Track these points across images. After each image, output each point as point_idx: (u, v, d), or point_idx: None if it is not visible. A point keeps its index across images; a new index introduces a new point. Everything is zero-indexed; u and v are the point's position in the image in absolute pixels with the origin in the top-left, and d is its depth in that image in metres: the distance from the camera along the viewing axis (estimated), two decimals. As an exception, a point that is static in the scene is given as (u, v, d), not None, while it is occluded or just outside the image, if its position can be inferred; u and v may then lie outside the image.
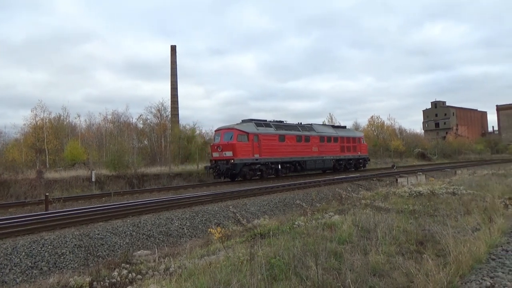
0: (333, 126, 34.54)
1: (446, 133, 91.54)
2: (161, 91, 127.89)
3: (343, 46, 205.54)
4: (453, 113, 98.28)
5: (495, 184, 15.00)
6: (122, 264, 7.19)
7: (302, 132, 27.07)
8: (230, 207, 13.33)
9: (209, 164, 23.81)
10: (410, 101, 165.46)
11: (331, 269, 5.12)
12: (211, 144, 24.63)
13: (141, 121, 42.48)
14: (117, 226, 10.19)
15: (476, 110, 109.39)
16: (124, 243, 9.70)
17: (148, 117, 42.13)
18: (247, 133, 22.71)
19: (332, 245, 6.39)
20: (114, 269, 6.78)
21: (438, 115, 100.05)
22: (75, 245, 8.87)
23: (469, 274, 4.91)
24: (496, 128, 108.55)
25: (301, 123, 29.36)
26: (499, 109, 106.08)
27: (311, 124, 30.23)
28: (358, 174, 26.37)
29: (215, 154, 23.05)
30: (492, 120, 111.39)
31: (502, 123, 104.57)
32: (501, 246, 6.21)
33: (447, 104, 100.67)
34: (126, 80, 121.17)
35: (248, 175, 22.92)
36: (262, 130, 23.97)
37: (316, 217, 9.78)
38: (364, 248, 6.23)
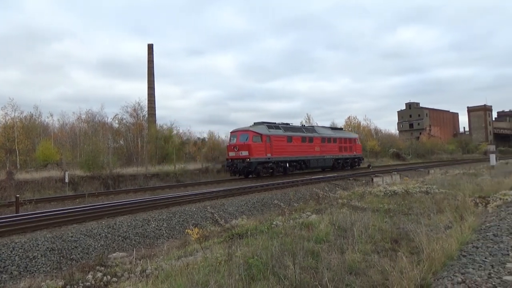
0: (332, 128, 36.56)
1: (420, 133, 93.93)
2: (137, 90, 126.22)
3: (320, 48, 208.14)
4: (427, 114, 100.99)
5: (466, 183, 15.49)
6: (97, 267, 7.03)
7: (306, 134, 29.32)
8: (208, 207, 13.25)
9: (225, 162, 26.13)
10: (385, 102, 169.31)
11: (309, 268, 5.17)
12: (227, 145, 26.81)
13: (117, 121, 41.73)
14: (92, 228, 9.96)
15: (448, 111, 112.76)
16: (99, 245, 9.49)
17: (124, 116, 41.45)
18: (261, 135, 24.73)
19: (310, 244, 6.44)
20: (89, 272, 6.62)
21: (412, 116, 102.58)
22: (48, 248, 8.62)
23: (442, 270, 5.04)
24: (467, 129, 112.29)
25: (304, 125, 32.28)
26: (470, 110, 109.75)
27: (313, 126, 33.49)
28: (350, 173, 26.77)
29: (231, 154, 24.91)
30: (464, 121, 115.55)
31: (473, 124, 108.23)
32: (472, 243, 6.42)
33: (421, 105, 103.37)
34: (102, 79, 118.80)
35: (261, 173, 24.98)
36: (273, 131, 26.10)
37: (294, 216, 9.85)
38: (341, 247, 6.31)
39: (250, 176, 25.20)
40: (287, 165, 27.02)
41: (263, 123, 26.79)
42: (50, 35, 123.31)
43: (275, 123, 27.92)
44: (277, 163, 26.10)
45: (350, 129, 62.61)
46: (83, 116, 41.80)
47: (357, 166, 35.08)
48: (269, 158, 25.05)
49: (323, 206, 12.05)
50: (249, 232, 7.90)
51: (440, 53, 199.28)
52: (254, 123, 27.21)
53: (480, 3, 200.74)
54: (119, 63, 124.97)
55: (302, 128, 30.67)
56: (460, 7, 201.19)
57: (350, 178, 23.33)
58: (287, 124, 29.53)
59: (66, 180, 19.99)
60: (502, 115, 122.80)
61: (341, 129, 38.63)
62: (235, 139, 25.29)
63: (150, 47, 48.44)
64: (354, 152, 34.84)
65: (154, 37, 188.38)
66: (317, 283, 4.52)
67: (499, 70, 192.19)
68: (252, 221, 10.50)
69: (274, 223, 8.96)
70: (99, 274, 6.26)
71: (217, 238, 8.43)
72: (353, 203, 11.90)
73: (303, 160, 28.36)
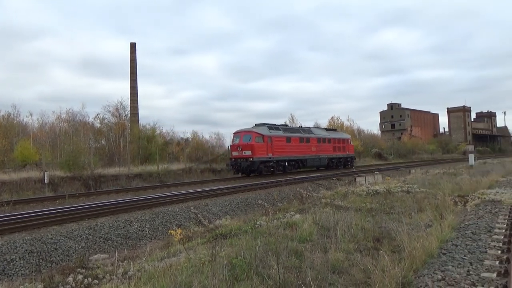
0: (326, 129, 38.06)
1: (401, 133, 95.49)
2: (120, 90, 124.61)
3: (303, 49, 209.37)
4: (408, 114, 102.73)
5: (446, 182, 15.83)
6: (78, 269, 6.88)
7: (303, 134, 30.77)
8: (192, 208, 13.16)
9: (229, 162, 27.32)
10: (368, 103, 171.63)
11: (292, 268, 5.18)
12: (231, 145, 27.81)
13: (99, 120, 40.96)
14: (72, 230, 9.76)
15: (429, 112, 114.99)
16: (80, 247, 9.32)
17: (106, 116, 40.70)
18: (263, 135, 26.01)
19: (293, 244, 6.47)
20: (69, 274, 6.49)
21: (394, 116, 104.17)
22: (26, 250, 8.41)
23: (422, 268, 5.14)
24: (447, 129, 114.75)
25: (301, 126, 34.21)
26: (450, 111, 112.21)
27: (309, 127, 34.88)
28: (333, 173, 26.97)
29: (235, 153, 26.09)
30: (444, 122, 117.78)
31: (452, 124, 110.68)
32: (451, 241, 6.56)
33: (403, 106, 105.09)
34: (82, 78, 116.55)
35: (263, 171, 26.20)
36: (274, 132, 27.42)
37: (278, 216, 9.87)
38: (324, 246, 6.36)
39: (252, 174, 26.16)
40: (286, 164, 28.44)
41: (264, 124, 28.10)
42: (30, 33, 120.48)
43: (275, 124, 29.40)
44: (278, 162, 27.46)
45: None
46: (64, 116, 40.96)
47: (349, 165, 36.44)
48: (270, 158, 26.38)
49: (306, 205, 12.12)
50: (233, 232, 7.88)
51: (421, 55, 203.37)
52: (255, 124, 28.50)
53: (459, 7, 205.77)
54: (101, 62, 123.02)
55: (299, 129, 32.23)
56: (439, 11, 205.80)
57: (333, 178, 23.54)
58: (286, 125, 31.69)
59: (46, 181, 19.55)
60: (480, 116, 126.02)
61: (334, 130, 40.29)
62: (238, 139, 26.38)
63: (133, 46, 47.86)
64: (347, 152, 36.29)
65: (137, 37, 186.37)
66: (300, 282, 4.54)
67: (478, 73, 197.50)
68: (236, 221, 10.47)
69: (258, 223, 8.96)
70: (80, 277, 6.14)
71: (200, 239, 8.38)
72: (336, 202, 12.01)
73: (301, 159, 29.77)
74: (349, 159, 36.62)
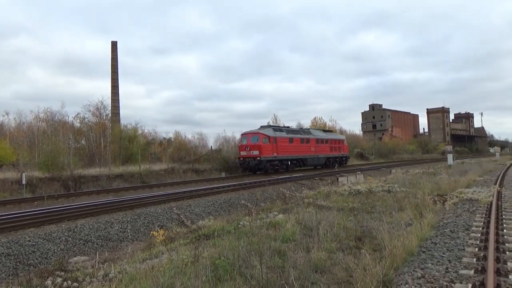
0: (324, 131, 40.39)
1: (382, 134, 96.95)
2: (100, 89, 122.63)
3: (284, 50, 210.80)
4: (389, 115, 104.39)
5: (425, 182, 16.15)
6: (56, 272, 6.74)
7: (304, 136, 32.85)
8: (174, 208, 13.05)
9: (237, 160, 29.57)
10: (348, 103, 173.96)
11: (275, 268, 5.20)
12: (239, 145, 30.17)
13: (78, 120, 40.13)
14: (51, 232, 9.54)
15: (409, 113, 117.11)
16: (59, 249, 9.11)
17: (86, 115, 39.90)
18: (269, 137, 27.99)
19: (276, 244, 6.49)
20: (47, 277, 6.34)
21: (375, 117, 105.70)
22: (3, 253, 8.17)
23: (403, 266, 5.22)
24: (426, 130, 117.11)
25: (301, 128, 36.74)
26: (429, 112, 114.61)
27: (309, 129, 37.45)
28: (316, 172, 27.13)
29: (243, 153, 28.15)
30: (423, 123, 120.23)
31: (432, 125, 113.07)
32: (431, 239, 6.69)
33: (384, 107, 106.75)
34: (61, 77, 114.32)
35: (269, 169, 28.07)
36: (278, 134, 29.39)
37: (261, 216, 9.89)
38: (307, 245, 6.40)
39: (258, 172, 28.06)
40: (289, 163, 30.41)
41: (269, 126, 31.27)
42: (5, 31, 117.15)
43: (279, 126, 32.67)
44: (281, 161, 29.53)
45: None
46: (42, 115, 39.96)
47: (344, 164, 38.83)
48: (275, 157, 28.47)
49: (289, 205, 12.18)
50: (216, 233, 7.85)
51: (399, 57, 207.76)
52: (260, 126, 31.25)
53: (436, 10, 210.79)
54: (80, 61, 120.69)
55: (300, 131, 34.19)
56: (416, 14, 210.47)
57: (316, 178, 23.71)
58: (288, 127, 34.43)
59: (23, 182, 19.04)
60: (458, 117, 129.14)
61: (331, 131, 42.93)
62: (246, 140, 28.45)
63: (114, 45, 47.14)
64: (342, 152, 38.65)
65: (117, 36, 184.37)
66: (283, 282, 4.55)
67: (455, 75, 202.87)
68: (219, 221, 10.44)
69: (241, 223, 8.95)
70: (59, 280, 6.01)
71: (183, 240, 8.31)
72: (319, 202, 12.10)
73: (301, 158, 31.84)
74: (344, 158, 38.98)
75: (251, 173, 28.00)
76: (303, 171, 30.69)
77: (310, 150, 32.86)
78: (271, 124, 46.42)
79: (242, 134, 30.25)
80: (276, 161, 28.80)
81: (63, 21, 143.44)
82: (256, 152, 27.19)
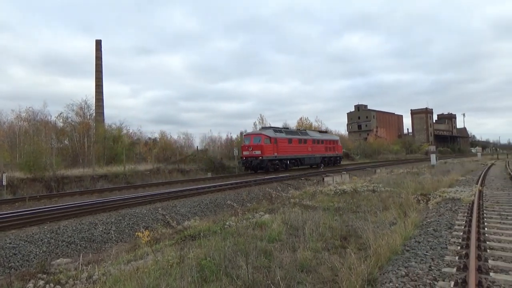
0: (319, 132, 42.77)
1: (368, 134, 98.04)
2: (83, 89, 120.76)
3: (270, 50, 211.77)
4: (374, 116, 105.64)
5: (409, 181, 16.38)
6: (39, 275, 6.59)
7: (301, 136, 34.62)
8: (159, 209, 12.93)
9: (240, 160, 31.38)
10: (334, 104, 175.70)
11: (262, 268, 5.19)
12: (242, 145, 31.18)
13: (61, 120, 39.40)
14: (33, 234, 9.35)
15: (394, 113, 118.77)
16: (41, 251, 8.93)
17: (70, 115, 39.20)
18: (270, 137, 29.53)
19: (262, 244, 6.49)
20: (29, 280, 6.20)
21: (360, 117, 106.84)
22: (-18, 256, 7.97)
23: (387, 265, 5.28)
24: (410, 130, 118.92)
25: (299, 129, 38.80)
26: (413, 113, 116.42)
27: (306, 130, 39.33)
28: (302, 173, 27.23)
29: (246, 153, 29.60)
30: (407, 123, 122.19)
31: (416, 125, 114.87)
32: (414, 238, 6.79)
33: (369, 107, 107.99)
34: (44, 76, 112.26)
35: (270, 168, 29.44)
36: (278, 135, 30.98)
37: (247, 217, 9.88)
38: (292, 245, 6.42)
39: (259, 171, 29.33)
40: (288, 162, 32.02)
41: (270, 127, 33.11)
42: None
43: (279, 128, 34.15)
44: (281, 161, 31.13)
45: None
46: (23, 115, 39.02)
47: (338, 163, 41.01)
48: (276, 157, 30.05)
49: (275, 205, 12.20)
50: (201, 233, 7.81)
51: (383, 58, 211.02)
52: (262, 127, 34.10)
53: (418, 13, 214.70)
54: (63, 60, 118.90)
55: (298, 132, 36.11)
56: (399, 16, 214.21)
57: (302, 178, 23.82)
58: (287, 128, 36.59)
59: (4, 183, 18.62)
60: (441, 117, 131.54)
61: (326, 132, 45.62)
62: (249, 141, 29.97)
63: (98, 43, 46.50)
64: (336, 152, 40.88)
65: (101, 35, 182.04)
66: (269, 281, 4.55)
67: (437, 76, 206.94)
68: (205, 222, 10.39)
69: (227, 223, 8.93)
70: (41, 282, 5.89)
71: (168, 241, 8.24)
72: (304, 202, 12.15)
73: (299, 158, 33.52)
74: (338, 158, 41.28)
75: (253, 172, 29.47)
76: (298, 170, 32.18)
77: (307, 150, 34.65)
78: (257, 124, 46.76)
79: (244, 135, 32.63)
80: (277, 160, 30.37)
81: (45, 19, 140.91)
82: (258, 152, 28.79)
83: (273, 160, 30.01)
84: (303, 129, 39.85)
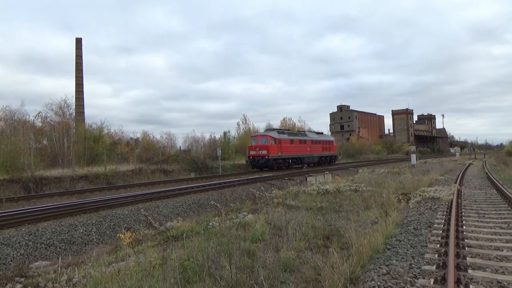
0: (316, 133, 46.03)
1: (350, 134, 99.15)
2: (63, 88, 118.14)
3: (253, 51, 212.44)
4: (356, 116, 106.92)
5: (390, 181, 16.64)
6: (16, 278, 6.41)
7: (301, 137, 37.62)
8: (142, 210, 12.78)
9: (247, 159, 33.79)
10: (317, 105, 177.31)
11: (245, 268, 5.19)
12: (249, 145, 33.84)
13: (40, 119, 38.45)
14: (10, 236, 9.10)
15: (375, 114, 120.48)
16: (19, 254, 8.71)
17: (49, 114, 38.28)
18: (275, 138, 32.32)
19: (246, 244, 6.48)
20: (6, 284, 6.03)
21: (343, 118, 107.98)
22: (-44, 260, 7.72)
23: (369, 263, 5.35)
24: (391, 130, 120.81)
25: (299, 130, 43.49)
26: (394, 113, 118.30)
27: (305, 131, 43.21)
28: (286, 172, 27.31)
29: (253, 153, 32.17)
30: (388, 124, 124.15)
31: (397, 126, 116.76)
32: (395, 237, 6.90)
33: (351, 108, 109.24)
34: (21, 74, 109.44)
35: (275, 167, 32.02)
36: (282, 136, 33.86)
37: (230, 217, 9.85)
38: (276, 245, 6.43)
39: (265, 169, 32.03)
40: (290, 161, 34.71)
41: (274, 129, 36.01)
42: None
43: (282, 129, 37.19)
44: (284, 160, 33.80)
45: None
46: (0, 114, 38.04)
47: (334, 162, 44.18)
48: (280, 156, 32.80)
49: (259, 205, 12.20)
50: (184, 234, 7.75)
51: (364, 60, 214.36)
52: (266, 129, 37.76)
53: (397, 16, 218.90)
54: (41, 59, 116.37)
55: (298, 133, 39.26)
56: (379, 19, 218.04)
57: (285, 178, 23.91)
58: (289, 130, 40.26)
59: (-20, 184, 18.06)
60: (421, 118, 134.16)
61: (322, 133, 49.07)
62: (255, 141, 32.64)
63: (79, 41, 45.63)
64: (332, 152, 44.05)
65: (80, 34, 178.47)
66: (253, 282, 4.55)
67: (416, 78, 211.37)
68: (188, 222, 10.30)
69: (211, 224, 8.88)
70: (19, 286, 5.74)
71: (151, 242, 8.15)
72: (288, 202, 12.19)
73: (300, 157, 36.33)
74: (333, 157, 44.53)
75: (259, 170, 32.32)
76: (293, 169, 34.75)
77: (307, 150, 37.63)
78: (241, 124, 47.11)
79: (251, 136, 35.99)
80: (281, 159, 33.10)
81: (23, 17, 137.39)
82: (264, 152, 31.47)
83: (278, 159, 32.62)
84: (302, 130, 43.54)
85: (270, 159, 31.53)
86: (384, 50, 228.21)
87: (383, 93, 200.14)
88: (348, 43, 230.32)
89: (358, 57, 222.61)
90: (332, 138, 46.98)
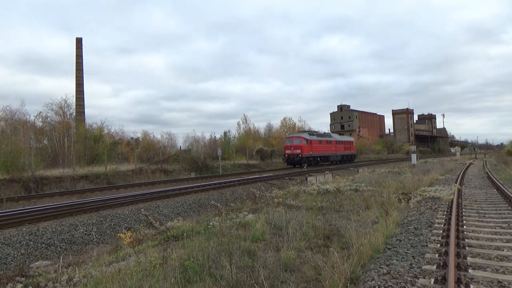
0: (339, 134, 53.34)
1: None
2: (63, 88, 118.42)
3: (251, 51, 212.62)
4: (356, 116, 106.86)
5: (391, 181, 16.62)
6: (17, 278, 6.42)
7: (327, 138, 43.45)
8: (142, 210, 12.78)
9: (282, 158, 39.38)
10: (316, 104, 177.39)
11: (245, 268, 5.19)
12: (284, 145, 38.95)
13: (40, 119, 38.47)
14: (10, 236, 9.11)
15: (376, 114, 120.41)
16: (19, 254, 8.72)
17: (49, 114, 38.31)
18: (306, 139, 37.67)
19: (246, 243, 6.48)
20: (7, 284, 6.03)
21: (343, 117, 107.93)
22: (-43, 259, 7.73)
23: (369, 263, 5.35)
24: (392, 130, 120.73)
25: (325, 132, 49.66)
26: (394, 113, 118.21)
27: (330, 133, 50.28)
28: (286, 172, 27.30)
29: (288, 151, 37.29)
30: (389, 123, 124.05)
31: (397, 126, 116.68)
32: (396, 237, 6.90)
33: (351, 108, 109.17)
34: (21, 74, 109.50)
35: (307, 164, 36.66)
36: (312, 137, 39.29)
37: (231, 217, 9.85)
38: (276, 245, 6.43)
39: (297, 166, 36.67)
40: (319, 159, 40.11)
41: (305, 131, 42.04)
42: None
43: (312, 131, 43.67)
44: (314, 158, 39.10)
45: (285, 130, 65.00)
46: (0, 114, 38.03)
47: (353, 160, 49.52)
48: (311, 155, 38.05)
49: (259, 205, 12.19)
50: (185, 234, 7.74)
51: (363, 60, 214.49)
52: (299, 131, 45.15)
53: (394, 17, 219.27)
54: (41, 59, 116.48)
55: (325, 135, 45.28)
56: (377, 19, 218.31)
57: (286, 178, 23.90)
58: (317, 132, 47.09)
59: (-20, 184, 18.07)
60: (422, 118, 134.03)
61: (343, 135, 56.08)
62: (290, 142, 37.79)
63: (79, 41, 45.67)
64: (352, 151, 49.90)
65: (81, 34, 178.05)
66: (253, 281, 4.55)
67: (415, 78, 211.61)
68: (188, 222, 10.30)
69: (211, 223, 8.88)
70: (19, 286, 5.74)
71: (151, 241, 8.15)
72: (288, 201, 12.19)
73: (326, 156, 41.73)
74: (353, 155, 50.22)
75: (292, 166, 37.04)
76: (320, 166, 39.12)
77: (332, 149, 43.17)
78: (241, 124, 47.20)
79: (286, 137, 41.38)
80: (311, 157, 38.16)
81: (22, 18, 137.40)
82: (298, 151, 36.46)
83: (309, 157, 37.68)
84: (327, 132, 50.14)
85: (303, 157, 36.36)
86: (382, 51, 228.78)
87: (382, 93, 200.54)
88: (345, 44, 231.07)
89: (356, 58, 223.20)
90: (352, 139, 52.77)
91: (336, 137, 47.12)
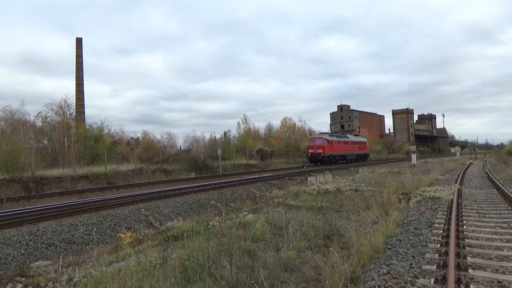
0: (354, 135, 58.06)
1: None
2: (63, 88, 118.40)
3: (249, 52, 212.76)
4: (356, 116, 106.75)
5: (391, 181, 16.61)
6: (16, 278, 6.41)
7: (345, 139, 47.59)
8: (142, 210, 12.78)
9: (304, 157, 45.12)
10: (316, 104, 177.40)
11: (245, 267, 5.19)
12: (308, 145, 43.71)
13: (40, 119, 38.44)
14: (10, 236, 9.11)
15: (375, 114, 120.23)
16: (19, 254, 8.72)
17: (49, 114, 38.29)
18: (327, 140, 41.93)
19: (246, 243, 6.48)
20: (7, 284, 6.03)
21: (343, 117, 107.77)
22: (-43, 259, 7.72)
23: (369, 263, 5.35)
24: (392, 130, 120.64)
25: (342, 133, 54.66)
26: (394, 113, 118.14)
27: (346, 134, 54.50)
28: (286, 172, 27.31)
29: (311, 151, 41.78)
30: (389, 123, 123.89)
31: (397, 126, 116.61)
32: (396, 237, 6.90)
33: (351, 108, 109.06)
34: (21, 75, 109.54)
35: (327, 162, 40.60)
36: (332, 138, 43.75)
37: (231, 217, 9.85)
38: (276, 245, 6.43)
39: (318, 164, 40.46)
40: (338, 158, 44.03)
41: (326, 133, 47.98)
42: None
43: (331, 133, 49.69)
44: (334, 157, 42.94)
45: (285, 130, 64.99)
46: (0, 114, 38.00)
47: (366, 159, 53.04)
48: (331, 154, 42.10)
49: (259, 205, 12.20)
50: (185, 234, 7.75)
51: (361, 61, 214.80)
52: (320, 132, 51.15)
53: (390, 18, 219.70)
54: (41, 59, 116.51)
55: (342, 136, 49.65)
56: (375, 20, 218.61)
57: (286, 178, 23.90)
58: (336, 133, 51.81)
59: (-20, 184, 18.07)
60: (421, 118, 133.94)
61: (358, 135, 61.80)
62: (313, 142, 42.14)
63: (79, 41, 45.65)
64: (366, 150, 53.92)
65: (80, 35, 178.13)
66: (253, 281, 4.55)
67: (414, 78, 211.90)
68: (189, 222, 10.30)
69: (211, 223, 8.89)
70: (19, 286, 5.74)
71: (151, 241, 8.15)
72: (288, 201, 12.18)
73: (344, 155, 45.83)
74: (366, 155, 54.14)
75: (314, 164, 40.70)
76: (343, 163, 43.08)
77: (349, 149, 47.16)
78: (241, 124, 47.22)
79: (309, 138, 46.76)
80: (332, 156, 42.05)
81: (22, 18, 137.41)
82: (320, 151, 40.72)
83: (330, 156, 41.54)
84: (344, 134, 55.50)
85: (325, 156, 40.50)
86: (380, 51, 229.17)
87: (381, 93, 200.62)
88: (344, 44, 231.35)
89: (355, 58, 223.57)
90: (365, 139, 56.85)
91: (352, 138, 51.53)
